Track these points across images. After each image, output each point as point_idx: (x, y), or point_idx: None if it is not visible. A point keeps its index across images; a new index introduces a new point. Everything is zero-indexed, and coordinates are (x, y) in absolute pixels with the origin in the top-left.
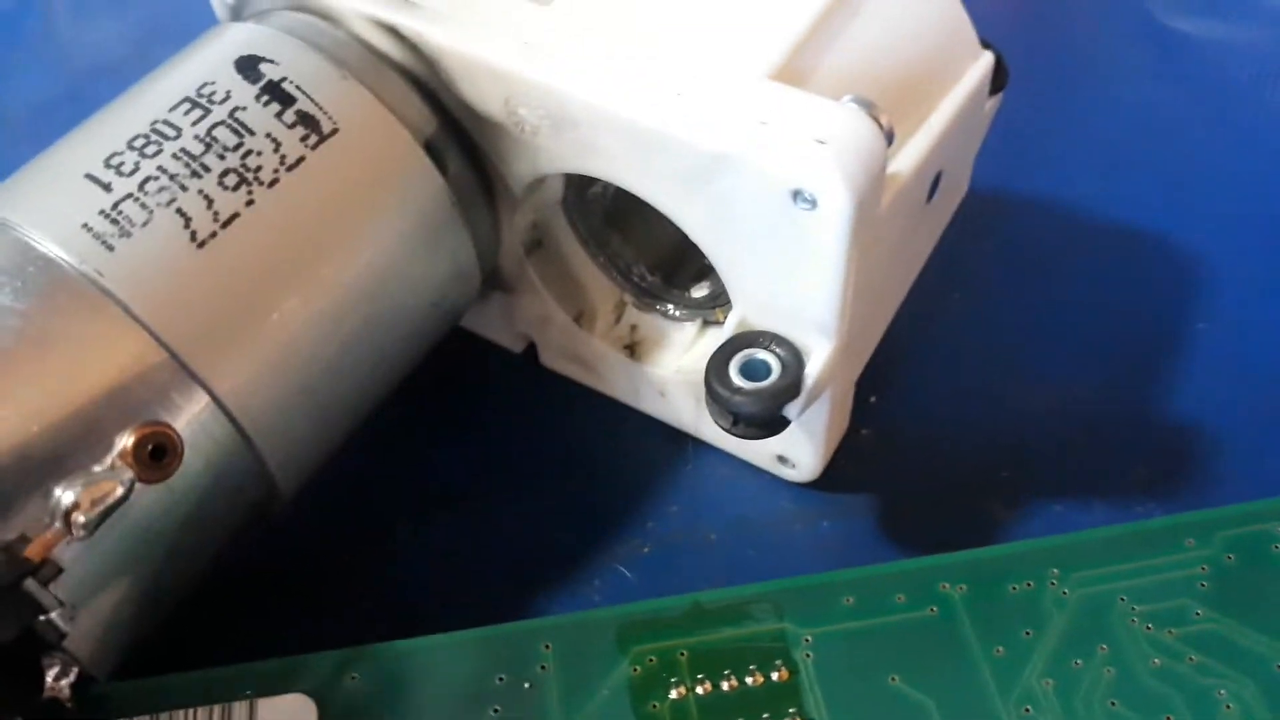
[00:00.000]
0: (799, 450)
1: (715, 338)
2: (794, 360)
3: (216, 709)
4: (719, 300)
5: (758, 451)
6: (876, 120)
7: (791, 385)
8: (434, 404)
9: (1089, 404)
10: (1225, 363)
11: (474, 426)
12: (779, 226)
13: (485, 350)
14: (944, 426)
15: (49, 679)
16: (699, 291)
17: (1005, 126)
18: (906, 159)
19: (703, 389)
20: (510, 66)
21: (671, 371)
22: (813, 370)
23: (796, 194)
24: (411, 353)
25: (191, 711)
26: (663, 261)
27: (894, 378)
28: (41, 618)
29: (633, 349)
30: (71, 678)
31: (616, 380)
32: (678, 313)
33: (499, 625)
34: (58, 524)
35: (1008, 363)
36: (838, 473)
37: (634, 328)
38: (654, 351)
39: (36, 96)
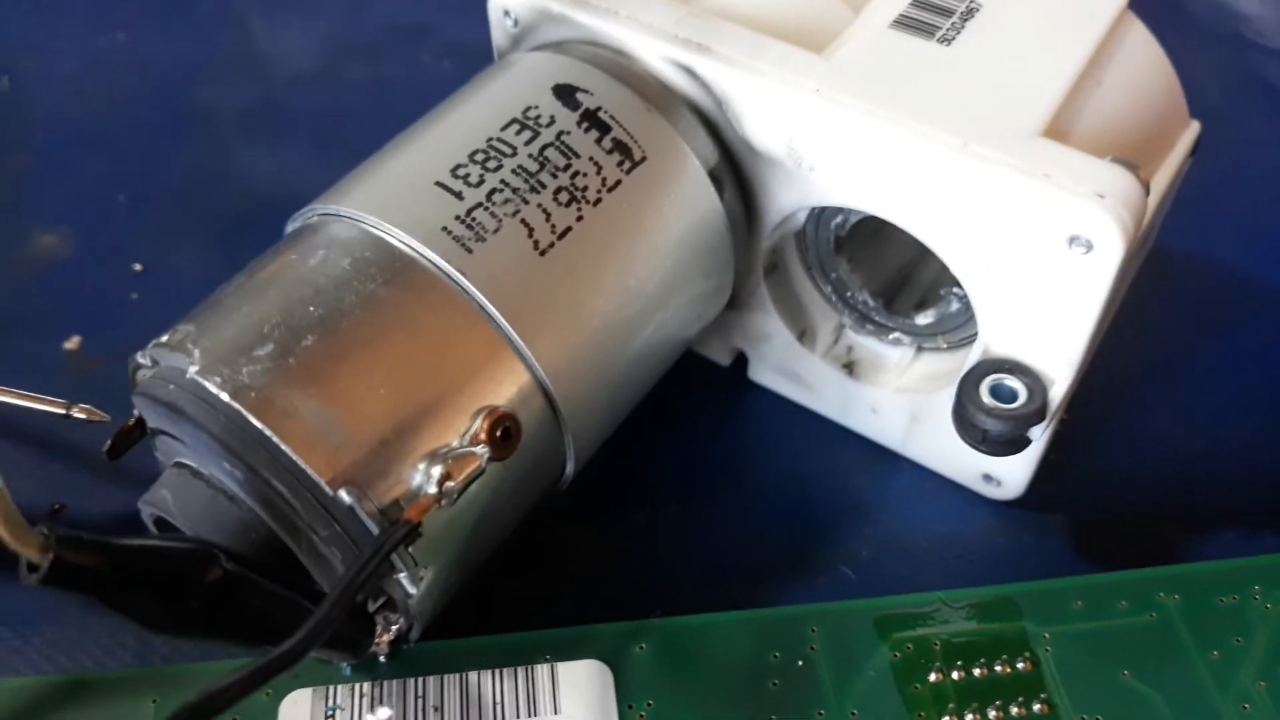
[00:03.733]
0: (1008, 470)
1: (931, 361)
2: (1040, 387)
3: (521, 672)
4: (943, 327)
5: (964, 470)
6: (1139, 179)
7: (1039, 410)
8: (654, 411)
9: (1247, 444)
10: None
11: (688, 432)
12: (1050, 267)
13: (694, 363)
14: (1121, 455)
15: (383, 635)
16: (923, 319)
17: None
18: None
19: (917, 407)
20: (804, 106)
21: (890, 390)
22: (1056, 395)
23: (1073, 239)
24: (674, 355)
25: (497, 672)
26: (886, 289)
27: (1079, 406)
28: (395, 575)
29: (850, 368)
30: (393, 633)
31: (829, 396)
32: (896, 337)
33: (770, 608)
34: (431, 490)
35: (1178, 406)
36: (1032, 493)
37: (850, 349)
38: (870, 372)
39: (237, 103)
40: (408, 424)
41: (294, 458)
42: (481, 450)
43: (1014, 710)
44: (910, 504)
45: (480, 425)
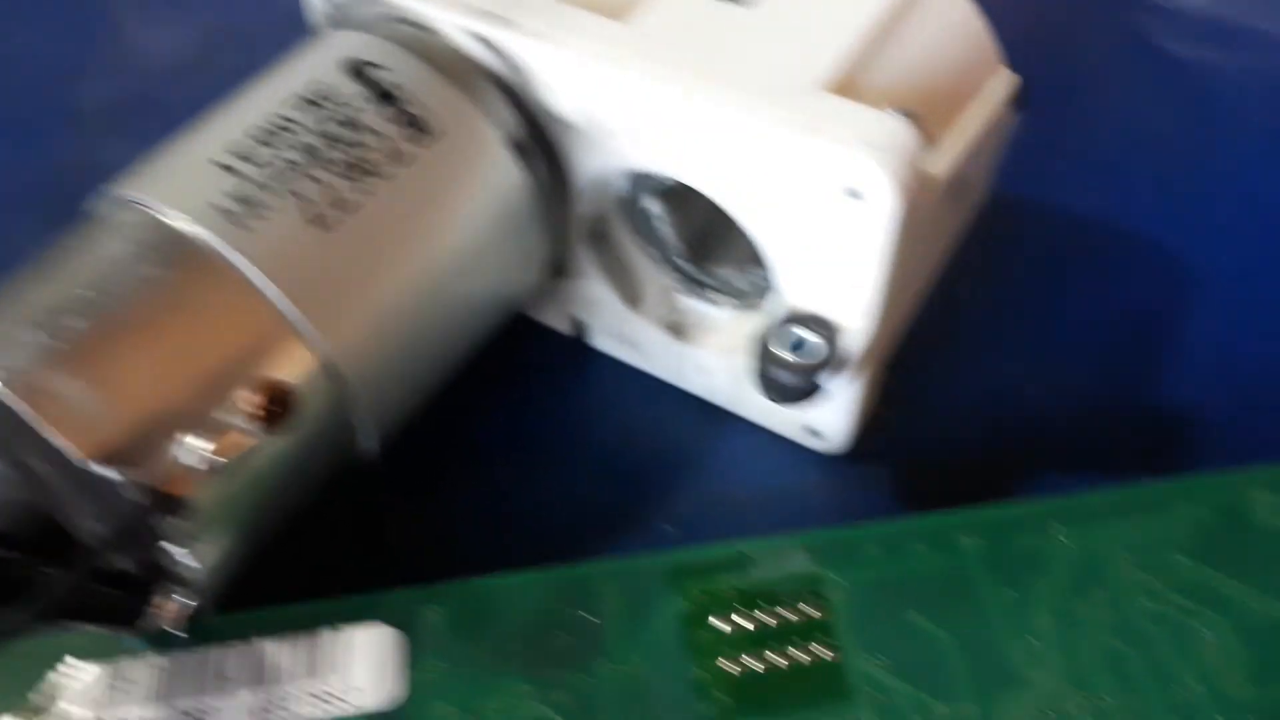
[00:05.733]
0: (830, 423)
1: (754, 320)
2: (833, 337)
3: (309, 637)
4: (759, 288)
5: (790, 424)
6: (917, 128)
7: (830, 358)
8: (493, 379)
9: (1090, 390)
10: (1212, 353)
11: (528, 399)
12: (831, 220)
13: (538, 332)
14: (960, 409)
15: (165, 606)
16: (741, 281)
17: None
18: (939, 163)
19: (742, 366)
20: (592, 71)
21: (715, 350)
22: (849, 345)
23: (849, 191)
24: (486, 332)
25: (288, 640)
26: (705, 252)
27: (913, 360)
28: (169, 549)
29: (678, 330)
30: (186, 609)
31: (661, 359)
32: (720, 299)
33: (566, 566)
34: (193, 465)
35: (1017, 352)
36: (862, 447)
37: (679, 311)
38: (697, 333)
39: (109, 97)
40: (176, 400)
41: (53, 437)
42: (253, 424)
43: (800, 656)
44: (738, 461)
45: (253, 399)
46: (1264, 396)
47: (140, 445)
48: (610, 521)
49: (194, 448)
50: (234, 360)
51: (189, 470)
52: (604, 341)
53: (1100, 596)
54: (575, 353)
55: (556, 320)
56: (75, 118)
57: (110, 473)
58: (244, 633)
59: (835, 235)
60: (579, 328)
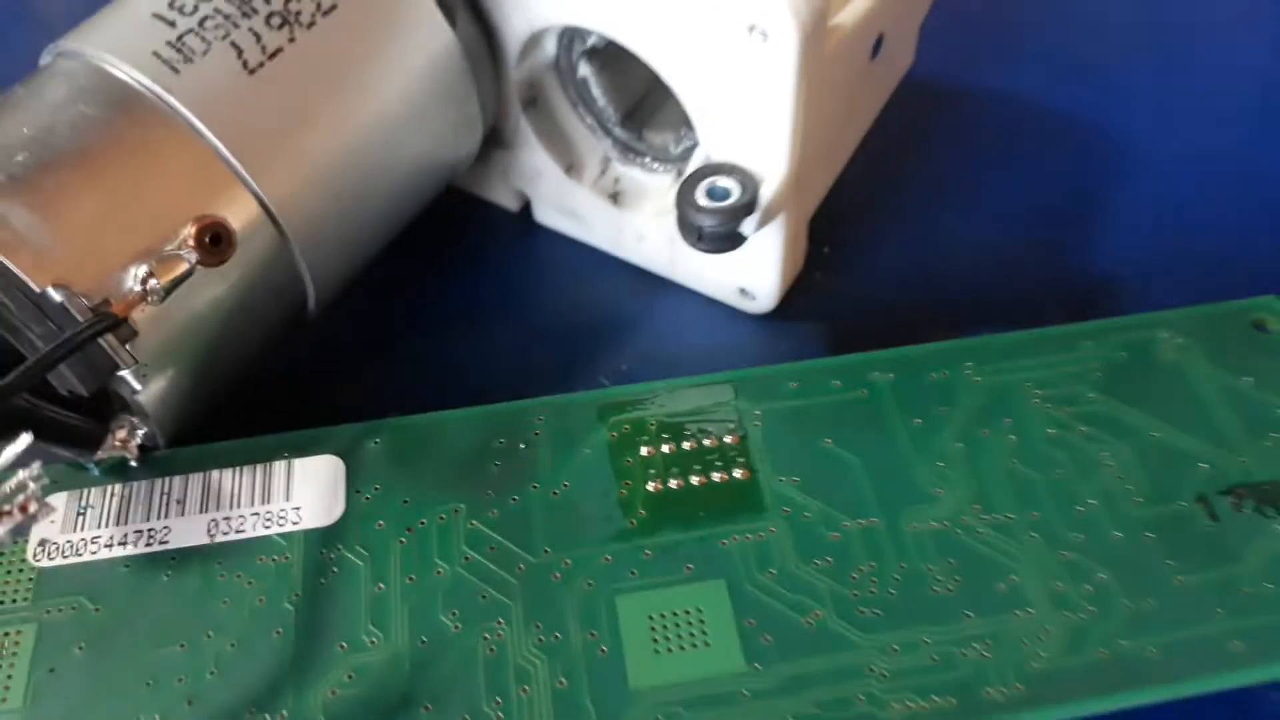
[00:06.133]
0: (759, 282)
1: None
2: (751, 183)
3: (259, 467)
4: (690, 153)
5: (723, 287)
6: None
7: (748, 204)
8: (444, 254)
9: (1015, 255)
10: (1134, 220)
11: (477, 272)
12: (741, 63)
13: (487, 210)
14: (889, 273)
15: (121, 436)
16: (675, 146)
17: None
18: (850, 14)
19: (676, 231)
20: None
21: (652, 216)
22: (766, 192)
23: (752, 29)
24: (423, 191)
25: (238, 470)
26: (642, 120)
27: (847, 231)
28: (118, 374)
29: (616, 198)
30: (139, 439)
31: (601, 228)
32: (655, 165)
33: (500, 404)
34: (136, 288)
35: (945, 221)
36: (793, 308)
37: (617, 180)
38: (635, 200)
39: None
40: (118, 231)
41: (6, 262)
42: (191, 255)
43: (716, 476)
44: (674, 322)
45: (189, 231)
46: (1182, 262)
47: (88, 272)
48: (550, 379)
49: (135, 274)
50: (174, 199)
51: (132, 294)
52: (547, 215)
53: (1006, 425)
54: (522, 229)
55: (504, 197)
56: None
57: (59, 295)
58: (199, 465)
59: (746, 80)
60: (523, 202)
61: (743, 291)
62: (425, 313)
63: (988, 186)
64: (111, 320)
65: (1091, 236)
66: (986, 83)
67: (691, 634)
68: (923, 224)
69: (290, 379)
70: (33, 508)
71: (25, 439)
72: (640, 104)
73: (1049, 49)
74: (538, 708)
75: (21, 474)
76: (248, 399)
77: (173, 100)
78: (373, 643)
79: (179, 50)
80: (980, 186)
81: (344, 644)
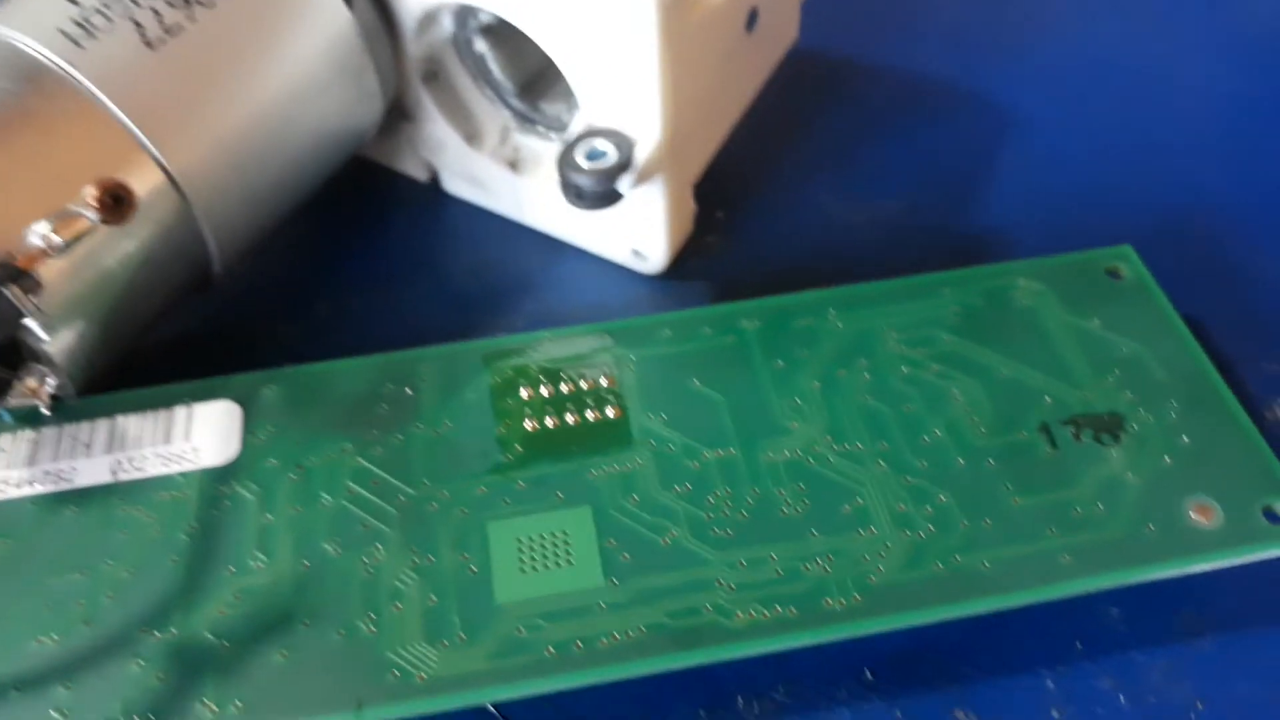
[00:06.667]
0: (649, 244)
1: None
2: (625, 145)
3: (162, 412)
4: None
5: (618, 248)
6: None
7: (622, 164)
8: (354, 223)
9: (900, 220)
10: (1018, 186)
11: (386, 239)
12: (607, 32)
13: (399, 182)
14: (780, 237)
15: (31, 384)
16: (567, 116)
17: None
18: None
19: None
20: None
21: (548, 181)
22: (640, 153)
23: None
24: (325, 160)
25: (142, 415)
26: (538, 91)
27: (739, 197)
28: (24, 323)
29: (515, 165)
30: (50, 388)
31: (503, 195)
32: (551, 134)
33: (389, 353)
34: (39, 244)
35: (832, 187)
36: (686, 269)
37: (516, 149)
38: (533, 167)
39: None
40: (22, 192)
41: None
42: (93, 214)
43: (589, 415)
44: (570, 283)
45: (90, 191)
46: (1063, 224)
47: None
48: (451, 336)
49: (40, 231)
50: (78, 165)
51: (36, 249)
52: (454, 183)
53: (863, 365)
54: (432, 199)
55: (413, 168)
56: None
57: None
58: (106, 411)
59: (616, 49)
60: (432, 172)
61: (636, 253)
62: (335, 276)
63: (874, 156)
64: (13, 271)
65: (971, 203)
66: (875, 57)
67: (556, 555)
68: (813, 190)
69: (200, 339)
70: None
71: None
72: (536, 77)
73: (940, 24)
74: (408, 622)
75: None
76: (158, 359)
77: (76, 73)
78: (258, 566)
79: (83, 27)
80: (867, 156)
81: (232, 568)
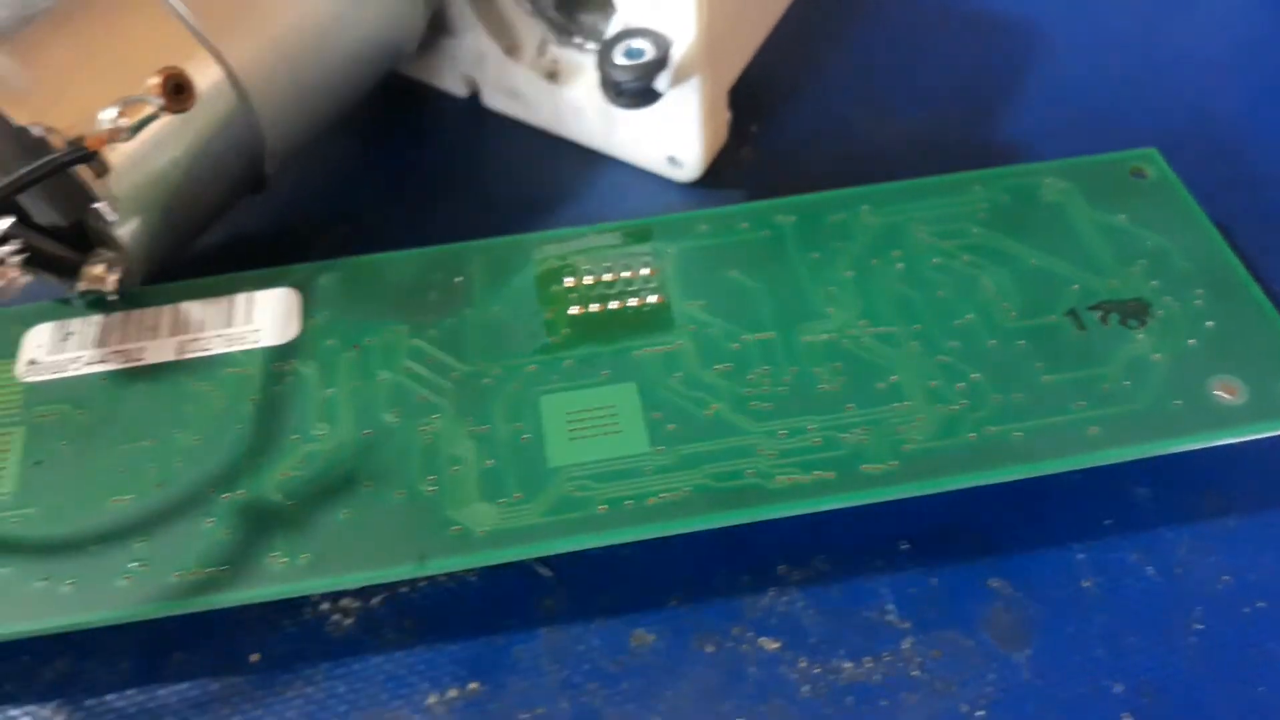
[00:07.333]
0: (684, 150)
1: None
2: (663, 43)
3: (224, 299)
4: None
5: (654, 158)
6: None
7: (660, 60)
8: (397, 135)
9: (930, 131)
10: (1044, 98)
11: (429, 150)
12: None
13: (440, 99)
14: (812, 150)
15: (99, 270)
16: (604, 25)
17: None
18: None
19: (608, 104)
20: None
21: (585, 91)
22: (677, 51)
23: None
24: (373, 66)
25: (204, 302)
26: (574, 2)
27: (772, 112)
28: (93, 207)
29: (554, 76)
30: (117, 273)
31: (541, 106)
32: (588, 45)
33: (439, 245)
34: (106, 126)
35: (864, 99)
36: (720, 179)
37: (554, 60)
38: (571, 77)
39: None
40: (91, 79)
41: None
42: (155, 100)
43: (632, 302)
44: (608, 192)
45: (154, 81)
46: (1089, 137)
47: (63, 112)
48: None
49: (108, 115)
50: (143, 57)
51: (105, 132)
52: (493, 98)
53: (896, 256)
54: (471, 115)
55: (453, 84)
56: None
57: (37, 131)
58: (171, 298)
59: None
60: (471, 88)
61: (671, 160)
62: (380, 188)
63: (905, 68)
64: (84, 151)
65: (999, 117)
66: None
67: (604, 424)
68: (843, 104)
69: (254, 240)
70: (11, 274)
71: (6, 221)
72: None
73: None
74: (467, 484)
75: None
76: (215, 260)
77: None
78: (321, 434)
79: None
80: (898, 68)
81: (295, 435)
